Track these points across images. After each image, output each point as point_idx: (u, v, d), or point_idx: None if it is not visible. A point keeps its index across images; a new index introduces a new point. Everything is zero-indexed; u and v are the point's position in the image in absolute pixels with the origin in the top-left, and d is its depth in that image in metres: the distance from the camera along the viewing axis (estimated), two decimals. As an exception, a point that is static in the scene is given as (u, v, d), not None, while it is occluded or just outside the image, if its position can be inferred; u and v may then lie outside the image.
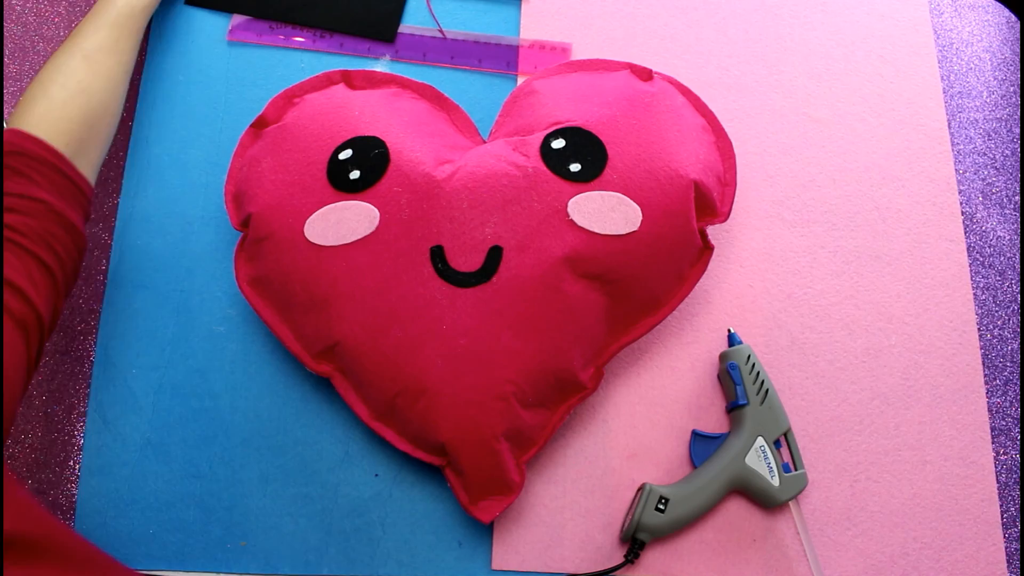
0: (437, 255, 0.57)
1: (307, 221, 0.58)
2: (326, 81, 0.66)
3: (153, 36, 0.73)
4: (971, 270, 0.70)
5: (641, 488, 0.60)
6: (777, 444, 0.62)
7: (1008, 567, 0.63)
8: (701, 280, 0.63)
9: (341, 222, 0.58)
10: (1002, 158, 0.74)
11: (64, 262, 0.53)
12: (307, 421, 0.63)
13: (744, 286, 0.68)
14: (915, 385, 0.66)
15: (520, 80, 0.72)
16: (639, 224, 0.58)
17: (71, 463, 0.62)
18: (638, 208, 0.58)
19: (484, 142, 0.66)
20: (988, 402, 0.67)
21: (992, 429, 0.66)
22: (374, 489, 0.62)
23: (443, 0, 0.75)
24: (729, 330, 0.66)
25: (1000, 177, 0.74)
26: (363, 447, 0.63)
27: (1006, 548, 0.63)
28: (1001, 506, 0.64)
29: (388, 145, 0.60)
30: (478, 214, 0.58)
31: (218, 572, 0.60)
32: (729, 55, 0.75)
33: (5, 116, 0.70)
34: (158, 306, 0.65)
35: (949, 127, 0.74)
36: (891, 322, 0.68)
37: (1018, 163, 0.74)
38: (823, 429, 0.65)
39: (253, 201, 0.60)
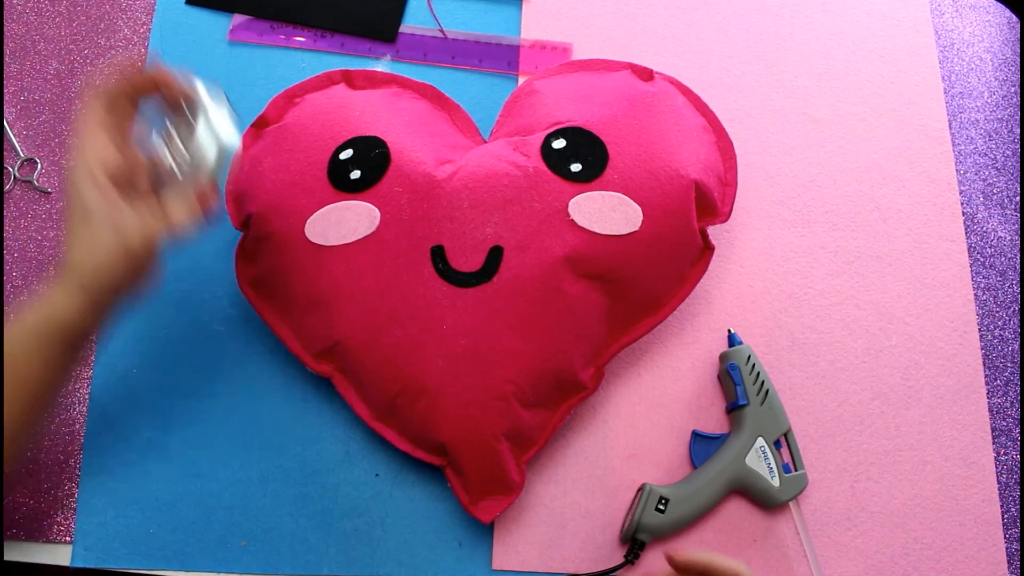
0: (438, 255, 0.57)
1: (308, 221, 0.58)
2: (327, 81, 0.66)
3: (154, 35, 0.73)
4: (972, 270, 0.70)
5: (641, 488, 0.60)
6: (777, 444, 0.62)
7: (1008, 567, 0.63)
8: (702, 280, 0.63)
9: (342, 222, 0.58)
10: (1003, 158, 0.74)
11: None
12: (307, 421, 0.63)
13: (745, 286, 0.68)
14: (916, 385, 0.66)
15: (521, 80, 0.72)
16: (640, 224, 0.58)
17: (71, 463, 0.62)
18: (639, 208, 0.58)
19: (485, 142, 0.66)
20: (989, 402, 0.67)
21: (993, 429, 0.66)
22: (374, 489, 0.62)
23: (444, 0, 0.75)
24: (729, 330, 0.66)
25: (1001, 177, 0.74)
26: (363, 447, 0.63)
27: (1006, 548, 0.63)
28: (1001, 506, 0.64)
29: (389, 145, 0.60)
30: (479, 214, 0.58)
31: (218, 572, 0.60)
32: (729, 55, 0.75)
33: (5, 116, 0.70)
34: (158, 306, 0.65)
35: (950, 127, 0.74)
36: (892, 322, 0.68)
37: (1019, 163, 0.74)
38: (823, 429, 0.65)
39: (254, 201, 0.60)
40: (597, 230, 0.57)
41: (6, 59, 0.72)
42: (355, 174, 0.59)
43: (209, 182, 0.52)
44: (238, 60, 0.72)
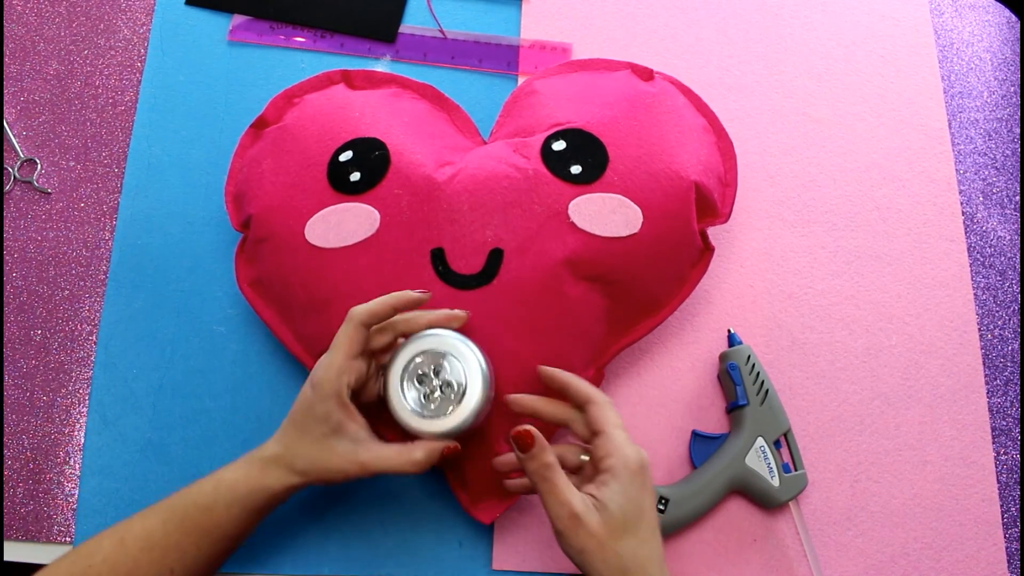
0: (438, 257, 0.57)
1: (307, 223, 0.58)
2: (326, 81, 0.66)
3: (154, 36, 0.73)
4: (971, 270, 0.70)
5: (641, 488, 0.60)
6: (777, 444, 0.62)
7: (1008, 567, 0.63)
8: (702, 280, 0.63)
9: (342, 224, 0.58)
10: (1002, 158, 0.74)
11: None
12: (307, 421, 0.63)
13: (744, 286, 0.68)
14: (915, 385, 0.66)
15: (521, 80, 0.72)
16: (640, 226, 0.58)
17: (71, 463, 0.62)
18: (639, 210, 0.58)
19: (485, 142, 0.66)
20: (988, 402, 0.67)
21: (992, 429, 0.66)
22: (374, 489, 0.62)
23: (443, 0, 0.75)
24: (729, 330, 0.66)
25: (1000, 177, 0.74)
26: (363, 447, 0.63)
27: (1006, 548, 0.63)
28: (1001, 506, 0.64)
29: (388, 147, 0.60)
30: (479, 216, 0.58)
31: (217, 572, 0.60)
32: (729, 55, 0.75)
33: (5, 116, 0.70)
34: (158, 306, 0.65)
35: (949, 127, 0.74)
36: (891, 322, 0.68)
37: (1018, 163, 0.74)
38: (823, 429, 0.65)
39: (253, 202, 0.60)
40: (597, 232, 0.57)
41: (6, 59, 0.72)
42: (355, 176, 0.59)
43: (455, 431, 0.52)
44: (238, 60, 0.72)
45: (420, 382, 0.53)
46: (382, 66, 0.73)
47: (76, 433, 0.63)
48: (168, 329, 0.65)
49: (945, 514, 0.63)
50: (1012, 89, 0.77)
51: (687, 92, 0.66)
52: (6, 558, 0.60)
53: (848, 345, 0.67)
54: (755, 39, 0.75)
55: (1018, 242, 0.72)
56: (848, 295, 0.68)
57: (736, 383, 0.62)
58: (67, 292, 0.66)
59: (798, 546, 0.62)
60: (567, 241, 0.57)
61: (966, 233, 0.71)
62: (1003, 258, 0.71)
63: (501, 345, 0.56)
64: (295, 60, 0.73)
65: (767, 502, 0.61)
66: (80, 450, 0.62)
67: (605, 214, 0.58)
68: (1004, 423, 0.66)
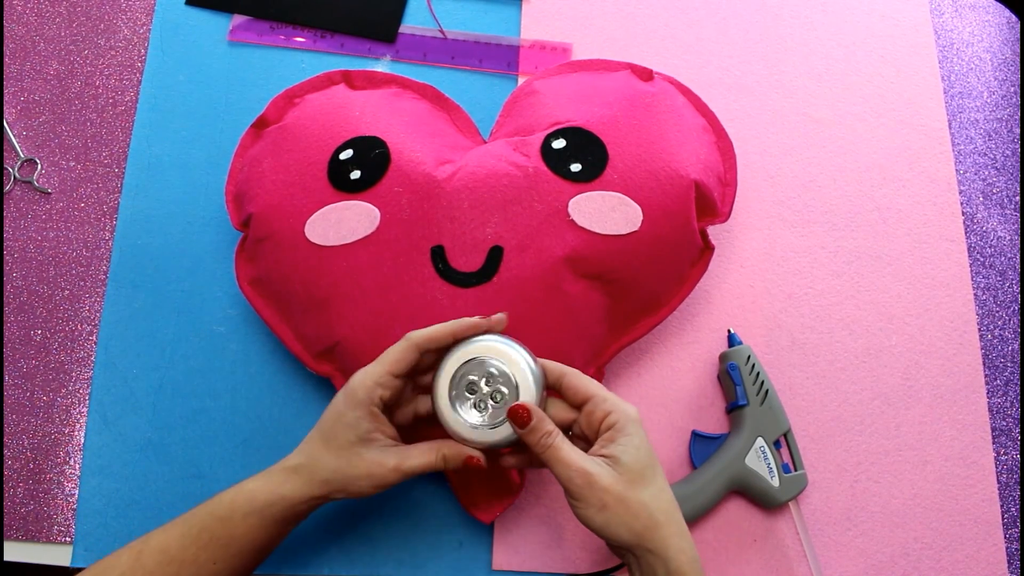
0: (438, 255, 0.57)
1: (308, 221, 0.58)
2: (327, 81, 0.66)
3: (154, 36, 0.73)
4: (972, 270, 0.70)
5: (641, 488, 0.60)
6: (777, 444, 0.62)
7: (1008, 567, 0.63)
8: (702, 280, 0.63)
9: (342, 222, 0.58)
10: (1003, 158, 0.74)
11: None
12: (307, 421, 0.63)
13: (744, 286, 0.68)
14: (916, 385, 0.66)
15: (521, 80, 0.72)
16: (639, 224, 0.58)
17: (71, 463, 0.62)
18: (639, 208, 0.58)
19: (485, 142, 0.66)
20: (989, 402, 0.67)
21: (993, 429, 0.66)
22: (374, 489, 0.62)
23: (444, 0, 0.75)
24: (729, 330, 0.66)
25: (1000, 177, 0.74)
26: (363, 447, 0.63)
27: (1006, 548, 0.63)
28: (1001, 506, 0.64)
29: (389, 145, 0.60)
30: (479, 214, 0.58)
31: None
32: (729, 55, 0.75)
33: (5, 116, 0.70)
34: (158, 306, 0.65)
35: (950, 127, 0.74)
36: (892, 322, 0.68)
37: (1018, 163, 0.74)
38: (823, 429, 0.65)
39: (254, 201, 0.60)
40: (597, 230, 0.57)
41: (6, 59, 0.72)
42: (355, 174, 0.59)
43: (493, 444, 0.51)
44: (238, 60, 0.72)
45: (471, 391, 0.51)
46: (382, 66, 0.73)
47: (76, 433, 0.63)
48: (168, 329, 0.65)
49: (945, 514, 0.63)
50: (1012, 89, 0.77)
51: (687, 92, 0.66)
52: (6, 558, 0.60)
53: (848, 345, 0.67)
54: (755, 39, 0.75)
55: (1018, 242, 0.72)
56: (848, 295, 0.68)
57: (736, 383, 0.62)
58: (67, 292, 0.66)
59: (798, 546, 0.62)
60: (567, 239, 0.57)
61: (966, 233, 0.71)
62: (1003, 258, 0.71)
63: (501, 344, 0.56)
64: (295, 60, 0.73)
65: (767, 502, 0.61)
66: (80, 450, 0.62)
67: (605, 212, 0.58)
68: (1004, 423, 0.66)
